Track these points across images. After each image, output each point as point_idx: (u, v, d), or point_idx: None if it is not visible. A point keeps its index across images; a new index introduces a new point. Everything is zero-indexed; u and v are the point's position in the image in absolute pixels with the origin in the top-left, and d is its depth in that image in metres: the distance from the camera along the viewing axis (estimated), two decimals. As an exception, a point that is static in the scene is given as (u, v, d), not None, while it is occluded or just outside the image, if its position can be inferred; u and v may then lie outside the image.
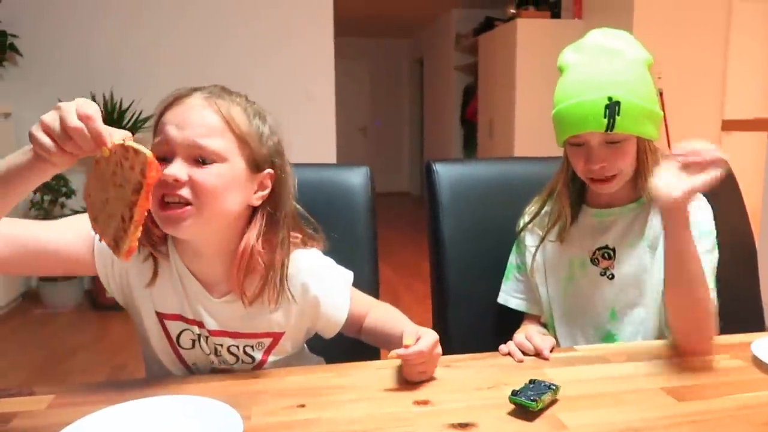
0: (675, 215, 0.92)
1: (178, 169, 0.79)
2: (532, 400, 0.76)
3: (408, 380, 0.87)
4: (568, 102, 1.02)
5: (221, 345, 0.93)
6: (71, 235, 0.87)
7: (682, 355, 0.96)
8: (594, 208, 1.13)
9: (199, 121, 0.81)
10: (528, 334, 1.01)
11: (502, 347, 1.00)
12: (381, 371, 0.92)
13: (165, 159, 0.80)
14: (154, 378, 0.93)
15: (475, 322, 1.34)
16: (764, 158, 2.60)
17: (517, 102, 4.52)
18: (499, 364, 0.96)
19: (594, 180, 1.05)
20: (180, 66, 3.81)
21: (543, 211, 1.18)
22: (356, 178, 1.36)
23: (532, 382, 0.81)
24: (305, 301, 0.94)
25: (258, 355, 0.95)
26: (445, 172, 1.39)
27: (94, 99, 3.52)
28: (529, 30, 4.48)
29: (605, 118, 0.98)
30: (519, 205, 1.24)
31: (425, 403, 0.81)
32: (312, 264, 0.95)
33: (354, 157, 7.73)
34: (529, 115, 4.49)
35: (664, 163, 1.01)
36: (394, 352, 0.85)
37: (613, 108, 0.98)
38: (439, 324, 1.35)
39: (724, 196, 1.24)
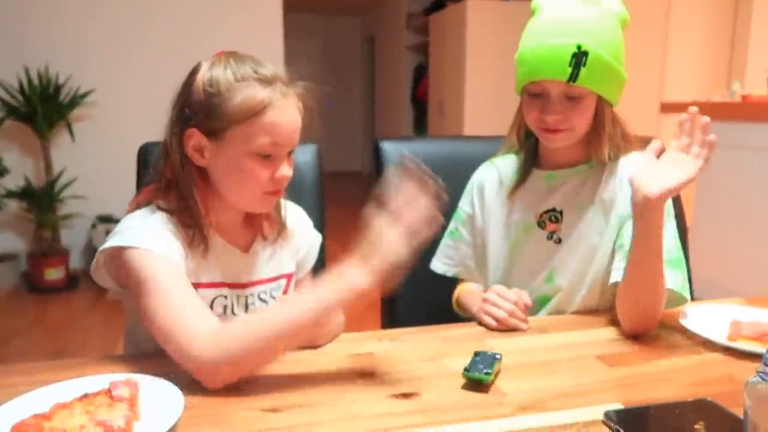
0: (649, 214, 0.89)
1: (288, 170, 0.91)
2: (486, 374, 0.78)
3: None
4: (533, 44, 0.99)
5: (253, 294, 0.99)
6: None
7: (625, 335, 0.97)
8: (544, 171, 1.13)
9: (298, 124, 0.91)
10: (497, 290, 1.02)
11: (483, 316, 1.01)
12: (329, 346, 0.93)
13: (268, 156, 0.88)
14: (95, 358, 0.91)
15: (420, 298, 1.36)
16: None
17: (467, 82, 4.56)
18: (442, 336, 0.98)
19: (544, 129, 1.04)
20: (119, 40, 3.66)
21: (494, 173, 1.19)
22: (304, 156, 1.35)
23: (477, 354, 0.83)
24: (296, 231, 1.06)
25: (279, 295, 1.03)
26: (393, 150, 1.40)
27: (27, 74, 3.39)
28: (480, 11, 4.50)
29: (570, 66, 0.95)
30: (466, 183, 1.26)
31: (370, 374, 0.83)
32: (290, 203, 1.07)
33: (304, 136, 7.64)
34: (479, 95, 4.54)
35: (639, 154, 1.01)
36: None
37: (580, 58, 0.95)
38: (385, 299, 1.37)
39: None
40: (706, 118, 0.90)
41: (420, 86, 6.34)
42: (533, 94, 1.03)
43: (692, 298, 1.38)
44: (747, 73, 3.99)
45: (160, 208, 0.90)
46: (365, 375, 0.83)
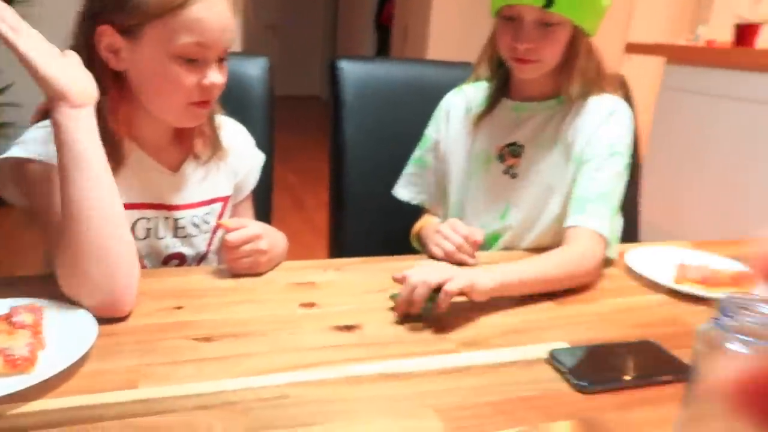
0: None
1: (219, 77, 0.81)
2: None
3: (233, 273, 0.86)
4: None
5: (184, 218, 0.92)
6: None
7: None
8: (513, 101, 1.08)
9: (228, 23, 0.80)
10: (451, 223, 0.99)
11: (432, 247, 0.99)
12: (270, 274, 0.88)
13: (193, 60, 0.78)
14: (16, 278, 0.84)
15: (371, 228, 1.32)
16: (659, 83, 2.70)
17: (434, 7, 4.40)
18: (389, 267, 0.94)
19: (516, 59, 0.99)
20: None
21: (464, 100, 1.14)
22: (253, 70, 1.26)
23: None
24: (234, 150, 0.97)
25: (213, 221, 0.96)
26: (351, 70, 1.32)
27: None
28: (451, -69, 4.28)
29: None
30: (429, 111, 1.19)
31: (311, 305, 0.79)
32: (228, 120, 0.99)
33: (256, 50, 7.32)
34: (444, 21, 4.39)
35: (611, 97, 1.00)
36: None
37: None
38: (334, 228, 1.33)
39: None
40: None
41: (384, 10, 6.09)
42: (507, 17, 0.97)
43: (639, 241, 1.40)
44: (713, 18, 3.97)
45: None
46: (305, 305, 0.79)
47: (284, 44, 8.44)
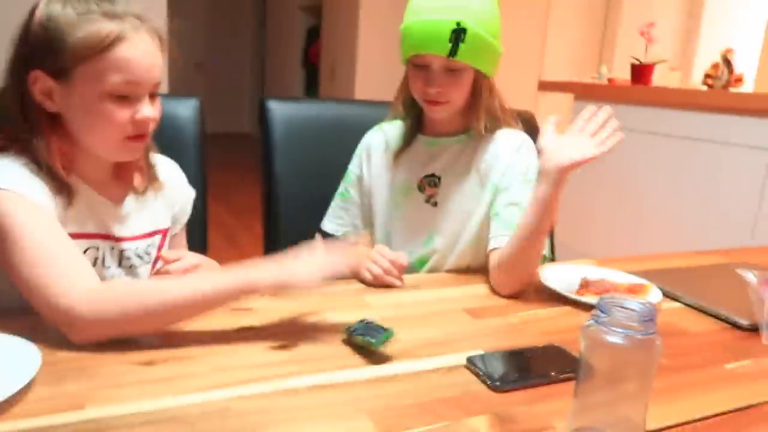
0: (555, 181, 0.95)
1: (151, 110, 0.86)
2: (372, 342, 0.78)
3: None
4: (416, 18, 1.04)
5: (129, 249, 0.95)
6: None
7: (501, 294, 1.03)
8: (426, 136, 1.20)
9: (155, 59, 0.85)
10: (379, 249, 1.07)
11: (362, 271, 1.05)
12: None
13: (125, 97, 0.82)
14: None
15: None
16: (570, 117, 2.93)
17: (360, 46, 4.56)
18: (322, 292, 1.00)
19: (428, 101, 1.10)
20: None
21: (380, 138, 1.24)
22: (184, 110, 1.31)
23: (364, 321, 0.82)
24: (169, 183, 1.02)
25: (154, 252, 1.00)
26: (279, 110, 1.39)
27: None
28: (374, -26, 4.48)
29: (450, 42, 1.01)
30: (354, 147, 1.28)
31: (249, 329, 0.84)
32: (161, 157, 1.04)
33: (190, 94, 7.28)
34: (371, 60, 4.55)
35: (513, 131, 1.10)
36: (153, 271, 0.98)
37: (458, 34, 1.00)
38: (268, 253, 1.37)
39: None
40: (614, 121, 1.01)
41: (312, 48, 6.24)
42: (417, 65, 1.08)
43: (554, 260, 1.53)
44: (615, 58, 4.35)
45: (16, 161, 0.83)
46: (244, 330, 0.84)
47: (211, 82, 8.42)
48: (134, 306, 0.74)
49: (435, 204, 1.17)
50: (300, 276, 0.79)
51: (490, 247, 1.09)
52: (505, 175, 1.13)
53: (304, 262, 0.81)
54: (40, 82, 0.81)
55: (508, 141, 1.16)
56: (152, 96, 0.87)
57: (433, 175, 1.18)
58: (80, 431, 0.58)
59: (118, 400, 0.64)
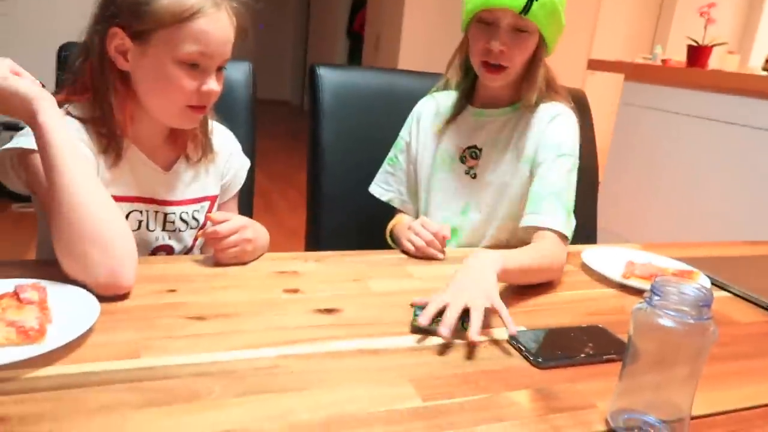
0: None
1: (216, 85, 0.89)
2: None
3: (218, 263, 0.91)
4: None
5: (174, 213, 0.98)
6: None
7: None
8: (474, 108, 1.19)
9: (229, 37, 0.89)
10: (422, 221, 1.07)
11: (404, 242, 1.06)
12: (254, 263, 0.95)
13: (195, 65, 0.85)
14: (17, 261, 0.88)
15: (347, 228, 1.39)
16: (619, 98, 2.85)
17: (405, 17, 4.50)
18: (365, 260, 1.02)
19: (486, 66, 1.08)
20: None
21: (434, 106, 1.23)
22: (236, 74, 1.32)
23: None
24: (222, 154, 1.05)
25: (201, 217, 1.02)
26: (329, 77, 1.39)
27: None
28: (423, -57, 4.39)
29: None
30: (401, 117, 1.28)
31: (294, 291, 0.86)
32: (219, 125, 1.07)
33: (237, 54, 7.32)
34: (416, 31, 4.49)
35: (561, 105, 1.08)
36: (200, 232, 0.98)
37: None
38: (312, 228, 1.39)
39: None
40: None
41: (357, 17, 6.18)
42: (483, 22, 1.06)
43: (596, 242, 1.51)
44: (669, 38, 4.19)
45: (69, 114, 0.86)
46: (289, 291, 0.85)
47: (255, 47, 8.43)
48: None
49: (474, 176, 1.17)
50: None
51: (522, 224, 1.08)
52: (539, 149, 1.11)
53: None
54: (118, 40, 0.84)
55: (544, 113, 1.14)
56: (219, 70, 0.90)
57: (475, 147, 1.18)
58: (136, 377, 0.60)
59: (171, 351, 0.66)
